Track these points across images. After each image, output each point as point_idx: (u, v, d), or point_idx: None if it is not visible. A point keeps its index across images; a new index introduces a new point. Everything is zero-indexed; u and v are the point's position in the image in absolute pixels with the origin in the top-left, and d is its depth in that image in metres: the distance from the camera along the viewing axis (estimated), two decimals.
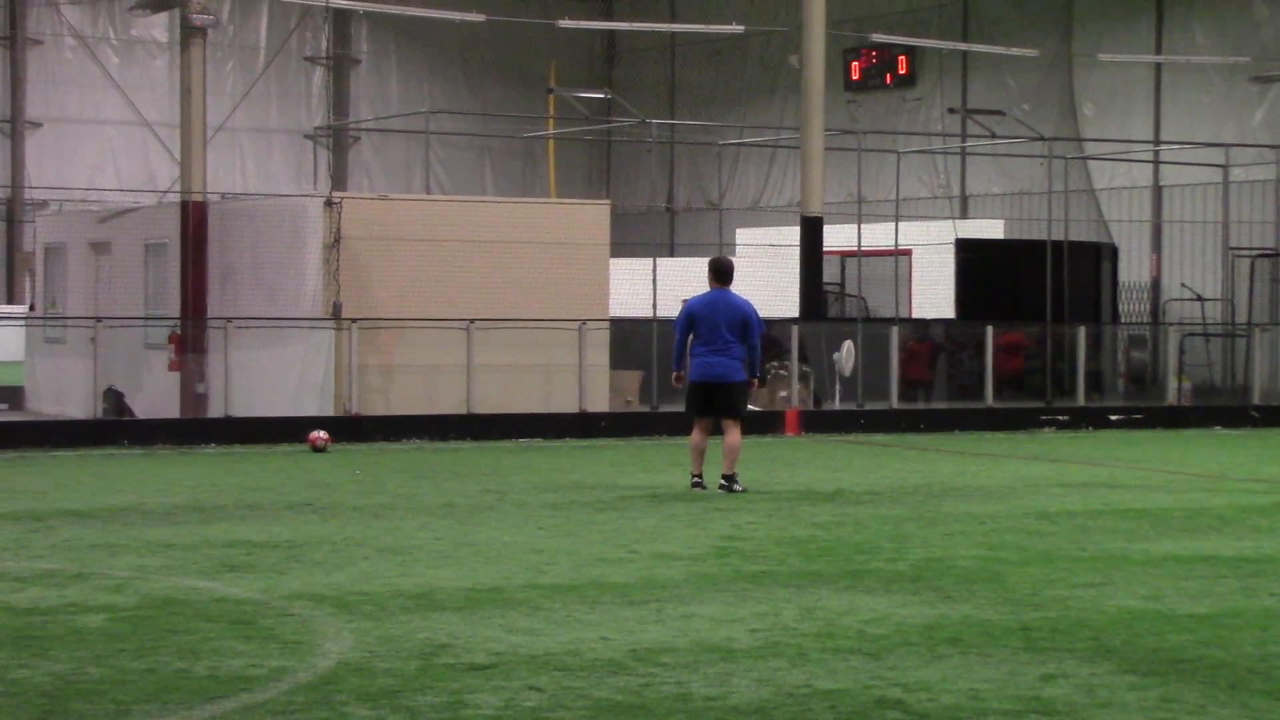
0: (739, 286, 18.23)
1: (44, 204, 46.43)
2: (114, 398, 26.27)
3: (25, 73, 48.63)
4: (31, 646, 9.33)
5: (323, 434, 22.79)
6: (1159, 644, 9.66)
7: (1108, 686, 8.57)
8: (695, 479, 17.69)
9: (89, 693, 8.28)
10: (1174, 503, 17.02)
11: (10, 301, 46.26)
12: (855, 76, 45.31)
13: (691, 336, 17.66)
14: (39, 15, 49.01)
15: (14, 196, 48.31)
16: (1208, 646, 9.59)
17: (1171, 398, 30.15)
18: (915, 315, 32.59)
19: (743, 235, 37.89)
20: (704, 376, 17.57)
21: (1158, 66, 39.00)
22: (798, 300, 29.39)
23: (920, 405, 28.93)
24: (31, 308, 33.20)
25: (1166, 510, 16.33)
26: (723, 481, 17.48)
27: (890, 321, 29.53)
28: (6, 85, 48.60)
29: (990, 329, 28.56)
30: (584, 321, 25.95)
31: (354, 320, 24.70)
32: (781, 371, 27.45)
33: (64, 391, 27.96)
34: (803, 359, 27.58)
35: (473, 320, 25.19)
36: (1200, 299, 36.04)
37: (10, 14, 48.58)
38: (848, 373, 27.90)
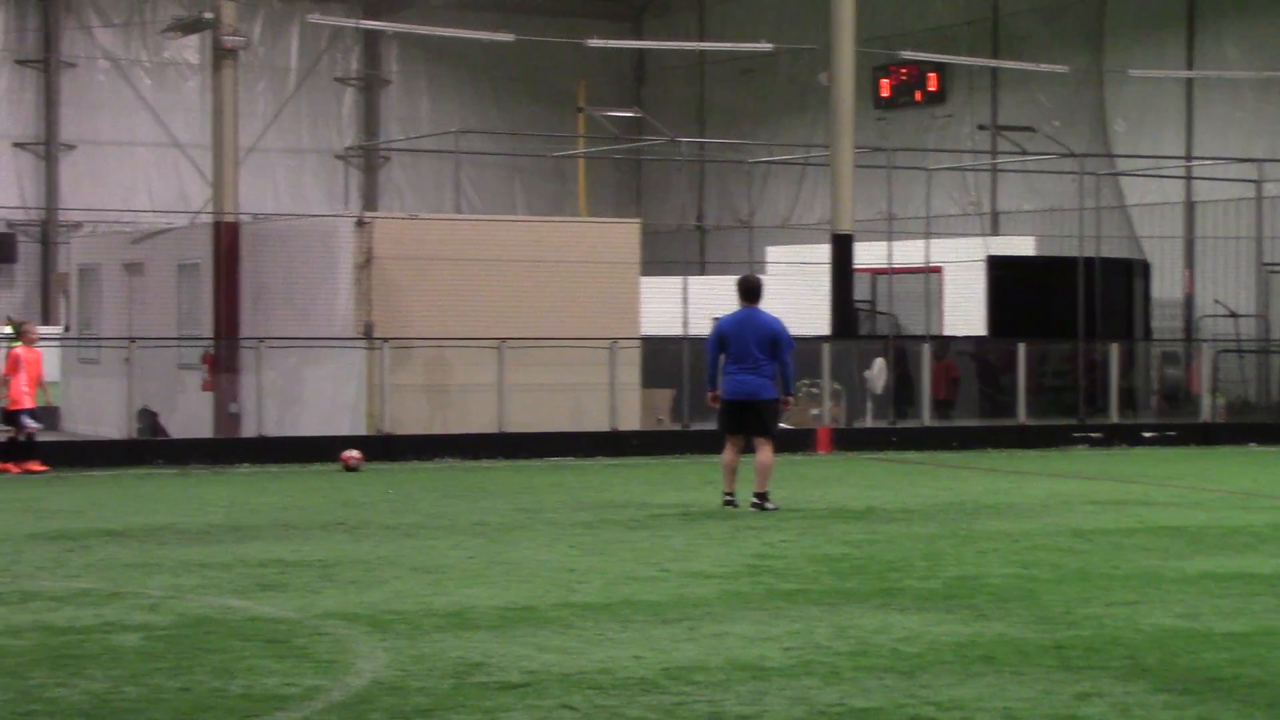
0: (770, 305, 18.22)
1: (78, 225, 46.71)
2: (148, 418, 26.37)
3: (59, 95, 48.92)
4: (68, 665, 9.37)
5: (355, 453, 22.83)
6: (1194, 662, 9.63)
7: (1143, 705, 8.54)
8: (727, 497, 17.68)
9: (125, 712, 8.31)
10: (1209, 520, 16.95)
11: (45, 323, 46.48)
12: (885, 94, 45.29)
13: (723, 356, 17.66)
14: (72, 38, 49.30)
15: (48, 218, 48.57)
16: (1244, 665, 9.54)
17: (1205, 414, 30.04)
18: (946, 333, 32.54)
19: (773, 253, 37.86)
20: (735, 394, 17.58)
21: (1189, 81, 38.90)
22: (829, 318, 29.36)
23: (952, 423, 28.86)
24: (66, 329, 33.35)
25: (1201, 528, 16.26)
26: (755, 500, 17.46)
27: (921, 339, 29.49)
28: (41, 108, 48.87)
29: (1022, 346, 28.47)
30: (615, 340, 25.97)
31: (386, 340, 24.75)
32: (813, 390, 27.42)
33: (99, 412, 28.07)
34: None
35: (504, 339, 25.22)
36: (1234, 315, 35.90)
37: (44, 37, 48.87)
38: (879, 390, 27.86)
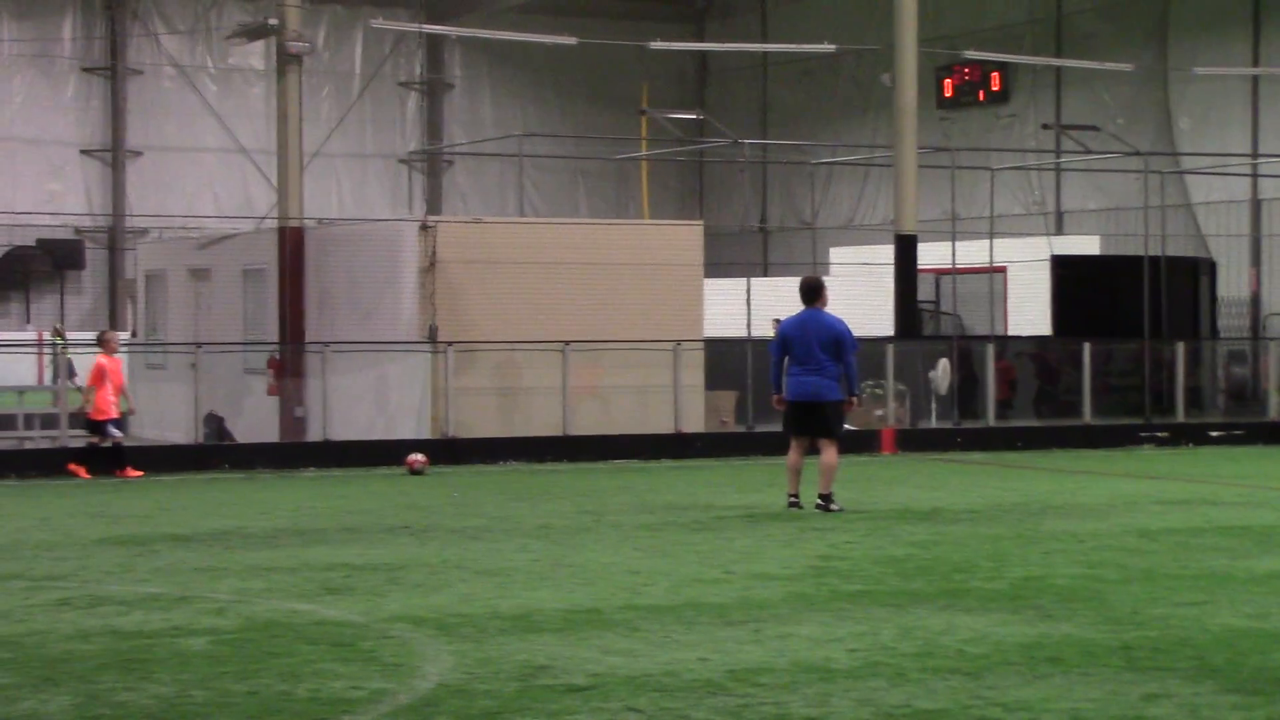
0: (833, 306, 18.19)
1: (144, 232, 47.03)
2: (214, 422, 26.54)
3: (125, 103, 49.30)
4: (136, 670, 9.44)
5: (420, 457, 22.92)
6: (1264, 663, 9.56)
7: (1211, 706, 8.49)
8: (791, 499, 17.67)
9: (193, 715, 8.38)
10: (1277, 519, 16.82)
11: (113, 328, 46.84)
12: (948, 94, 45.16)
13: (786, 358, 17.64)
14: (139, 46, 49.67)
15: (115, 225, 48.96)
16: None
17: (1273, 413, 29.81)
18: (1011, 333, 32.42)
19: (836, 254, 37.80)
20: (799, 396, 17.56)
21: (1255, 79, 38.63)
22: (893, 319, 29.29)
23: (1017, 423, 28.74)
24: (133, 334, 33.60)
25: (1270, 527, 16.14)
26: (819, 501, 17.44)
27: (985, 339, 29.39)
28: (107, 115, 49.26)
29: (1088, 346, 28.33)
30: (679, 342, 25.97)
31: (450, 343, 24.83)
32: (877, 390, 27.37)
33: (166, 417, 28.27)
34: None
35: (568, 342, 25.27)
36: None
37: (111, 45, 49.27)
38: (944, 391, 27.77)
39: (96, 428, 22.44)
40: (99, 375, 22.46)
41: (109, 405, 22.36)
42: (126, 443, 23.05)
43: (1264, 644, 10.09)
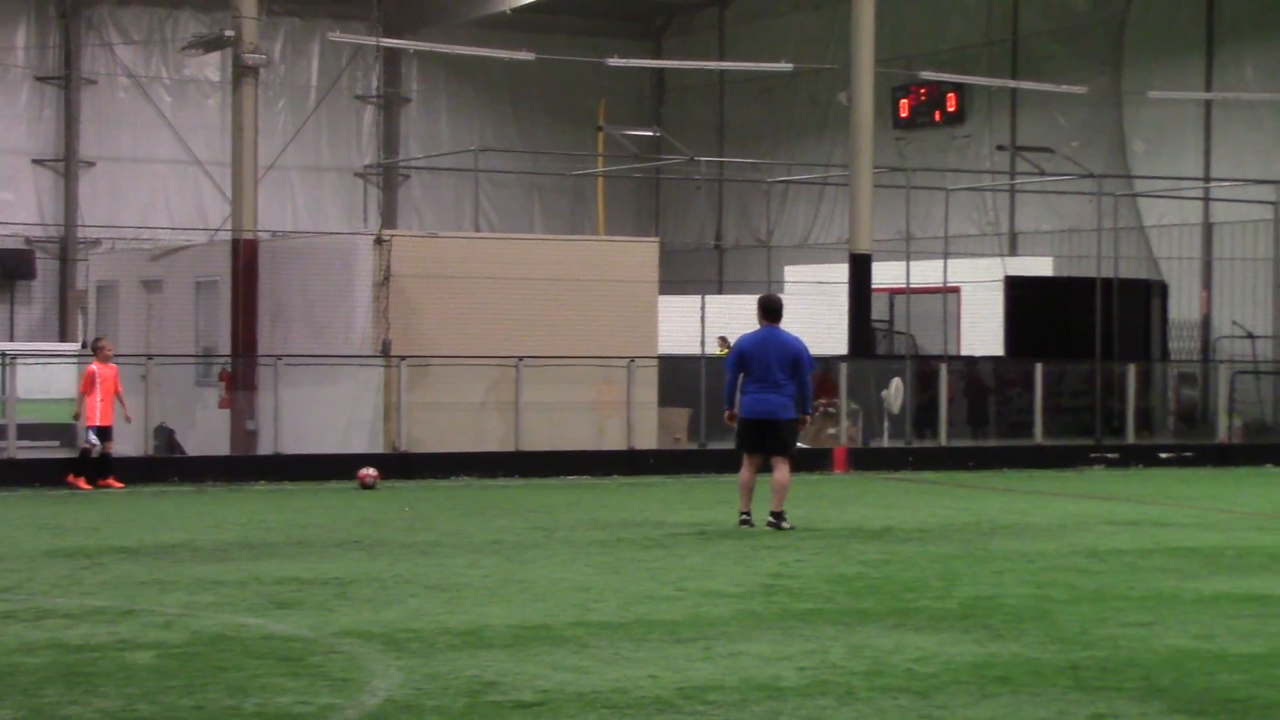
0: (787, 324, 18.22)
1: (96, 242, 46.87)
2: (165, 435, 26.40)
3: (79, 112, 49.10)
4: (82, 683, 9.38)
5: (372, 471, 22.86)
6: (1210, 684, 9.60)
7: None
8: (743, 516, 17.67)
9: None
10: (1225, 541, 16.91)
11: (63, 339, 46.62)
12: (904, 114, 45.31)
13: (743, 375, 17.66)
14: (93, 55, 49.50)
15: (67, 235, 48.73)
16: (1259, 687, 9.52)
17: (1222, 435, 29.98)
18: (964, 353, 32.52)
19: (791, 272, 37.88)
20: (754, 413, 17.56)
21: (1208, 103, 38.88)
22: (846, 337, 29.36)
23: (969, 443, 28.81)
24: (84, 345, 33.43)
25: (1217, 549, 16.23)
26: (771, 519, 17.45)
27: (939, 359, 29.46)
28: (60, 125, 49.07)
29: (1040, 366, 28.44)
30: (633, 359, 25.98)
31: (403, 358, 24.78)
32: (830, 409, 27.41)
33: (116, 428, 28.08)
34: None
35: (522, 358, 25.24)
36: (1251, 336, 35.84)
37: (65, 54, 49.06)
38: (896, 410, 27.84)
39: (89, 433, 22.50)
40: (89, 382, 22.53)
41: (94, 413, 22.40)
42: (67, 454, 22.97)
43: (1210, 665, 10.14)
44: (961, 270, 33.69)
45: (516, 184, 52.19)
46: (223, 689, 9.21)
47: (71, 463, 22.75)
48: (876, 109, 30.74)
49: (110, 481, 22.44)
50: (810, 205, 48.57)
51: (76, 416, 23.00)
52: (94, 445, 22.46)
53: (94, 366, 22.67)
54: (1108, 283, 31.31)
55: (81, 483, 22.29)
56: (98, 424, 22.46)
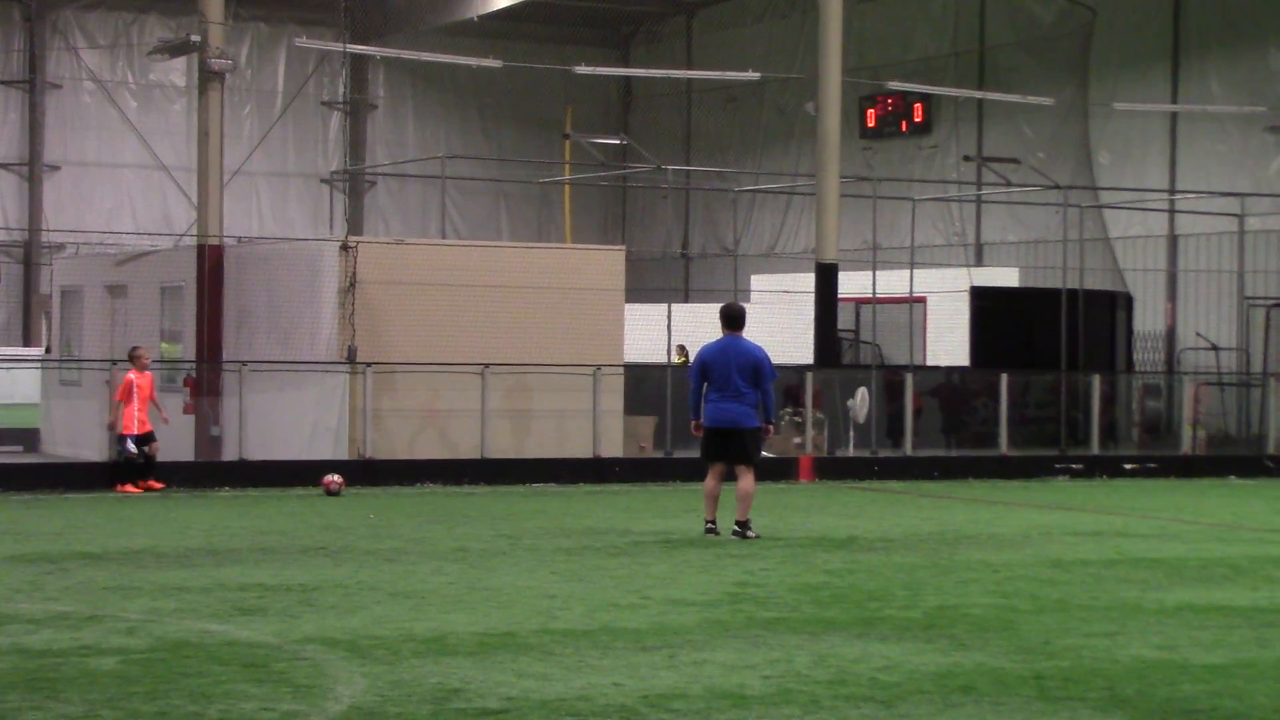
0: (754, 333, 18.25)
1: (61, 247, 46.67)
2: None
3: (44, 116, 48.94)
4: (44, 689, 9.33)
5: (336, 478, 22.82)
6: (1173, 694, 9.63)
7: None
8: (709, 525, 17.68)
9: None
10: (1188, 552, 16.97)
11: (26, 344, 46.44)
12: (871, 124, 45.43)
13: (706, 384, 17.67)
14: (58, 59, 49.33)
15: (31, 239, 48.54)
16: (1221, 697, 9.55)
17: (1186, 447, 30.10)
18: (930, 363, 32.59)
19: (757, 281, 37.92)
20: (717, 422, 17.59)
21: (1173, 116, 39.06)
22: (812, 347, 29.40)
23: (935, 453, 28.88)
24: (48, 350, 33.29)
25: (1181, 560, 16.28)
26: (736, 528, 17.46)
27: (905, 369, 29.53)
28: (25, 129, 48.90)
29: (1005, 377, 28.52)
30: (598, 367, 25.97)
31: (369, 364, 24.74)
32: (796, 418, 27.44)
33: (79, 434, 28.01)
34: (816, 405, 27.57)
35: (487, 365, 25.22)
36: (1215, 348, 36.01)
37: (29, 58, 48.89)
38: (862, 419, 27.89)
39: (128, 442, 22.79)
40: (126, 391, 22.87)
41: (132, 422, 22.77)
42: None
43: (1173, 675, 10.17)
44: (927, 280, 33.78)
45: (483, 191, 52.18)
46: (186, 695, 9.18)
47: (111, 468, 23.06)
48: (843, 119, 30.80)
49: (152, 483, 22.85)
50: (777, 214, 48.64)
51: (112, 425, 23.27)
52: (135, 454, 22.75)
53: (132, 375, 23.05)
54: (1073, 294, 31.42)
55: (129, 487, 22.65)
56: (135, 432, 22.82)
